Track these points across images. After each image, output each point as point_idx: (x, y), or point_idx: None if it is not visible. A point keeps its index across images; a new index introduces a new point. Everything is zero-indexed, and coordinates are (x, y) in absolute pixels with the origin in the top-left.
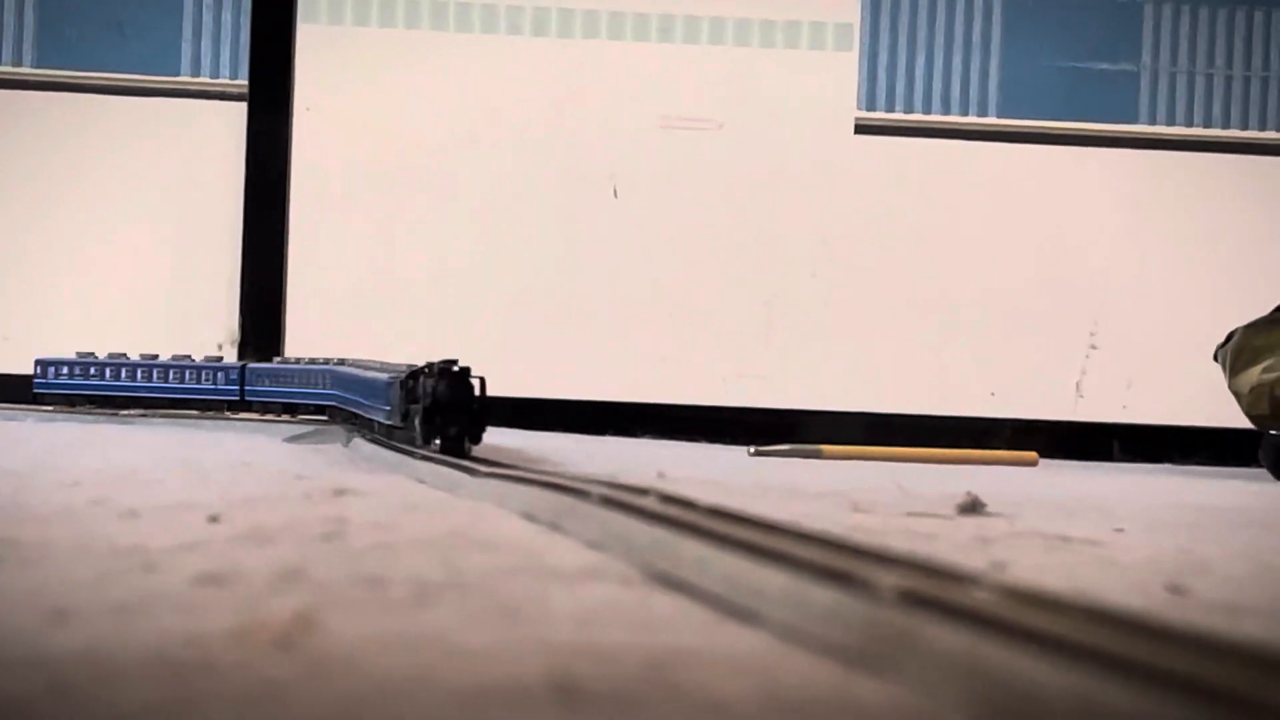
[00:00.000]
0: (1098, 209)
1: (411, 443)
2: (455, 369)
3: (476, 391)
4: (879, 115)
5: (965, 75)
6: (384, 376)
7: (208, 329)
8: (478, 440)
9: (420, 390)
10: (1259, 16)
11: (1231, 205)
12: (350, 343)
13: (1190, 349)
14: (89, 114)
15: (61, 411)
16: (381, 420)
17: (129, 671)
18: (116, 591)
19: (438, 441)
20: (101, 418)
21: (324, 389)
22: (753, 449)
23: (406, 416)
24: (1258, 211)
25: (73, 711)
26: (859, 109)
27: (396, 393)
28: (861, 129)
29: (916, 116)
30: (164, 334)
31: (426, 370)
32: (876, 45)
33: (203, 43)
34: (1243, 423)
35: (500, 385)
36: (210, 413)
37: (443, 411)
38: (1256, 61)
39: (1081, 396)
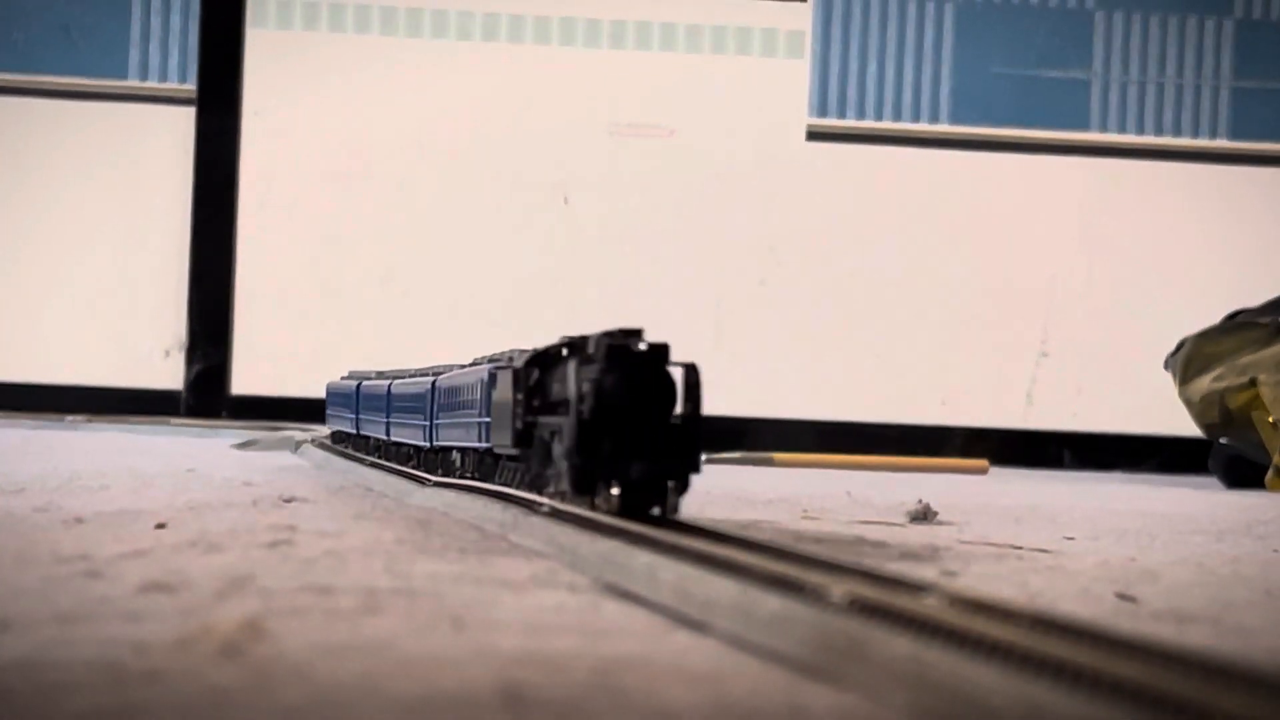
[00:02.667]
0: (1048, 217)
1: (538, 487)
2: (641, 345)
3: (682, 390)
4: (831, 122)
5: (917, 82)
6: (477, 372)
7: (154, 334)
8: (685, 486)
9: (568, 385)
10: (1209, 25)
11: (1181, 214)
12: (301, 346)
13: (1140, 357)
14: (35, 118)
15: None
16: (469, 446)
17: (72, 680)
18: (61, 599)
19: (610, 493)
20: (45, 422)
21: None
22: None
23: (529, 439)
24: (1208, 221)
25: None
26: (810, 116)
27: (504, 393)
28: (813, 135)
29: (868, 123)
30: (110, 340)
31: (573, 349)
32: (828, 52)
33: (151, 46)
34: (1193, 431)
35: None
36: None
37: (617, 429)
38: (1207, 70)
39: (1032, 404)
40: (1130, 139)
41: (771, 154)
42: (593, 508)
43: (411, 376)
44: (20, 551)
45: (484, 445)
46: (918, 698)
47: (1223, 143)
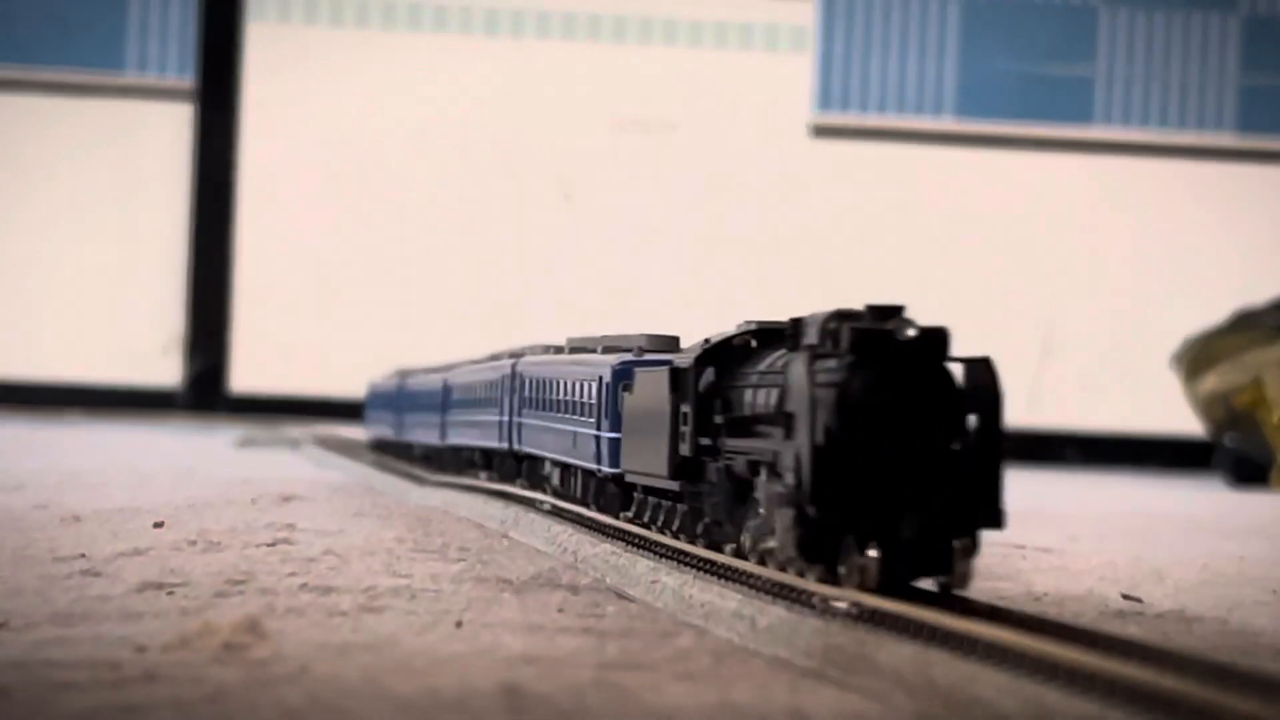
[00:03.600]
0: (1052, 215)
1: (715, 540)
2: (907, 330)
3: (970, 398)
4: (835, 118)
5: (922, 78)
6: (588, 364)
7: (152, 331)
8: (976, 546)
9: (791, 392)
10: (1214, 20)
11: (1187, 212)
12: (300, 343)
13: (1146, 356)
14: (33, 115)
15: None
16: (575, 464)
17: (70, 679)
18: (59, 598)
19: (865, 559)
20: (43, 420)
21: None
22: None
23: (697, 471)
24: (1213, 219)
25: (13, 719)
26: (814, 111)
27: (652, 400)
28: (817, 131)
29: (872, 120)
30: (108, 337)
31: (768, 336)
32: (832, 48)
33: (149, 40)
34: (1198, 429)
35: None
36: None
37: (874, 460)
38: (1211, 65)
39: (1036, 402)
40: (1136, 135)
41: (772, 149)
42: (831, 580)
43: (475, 364)
44: (18, 549)
45: (604, 469)
46: (917, 697)
47: (1229, 139)
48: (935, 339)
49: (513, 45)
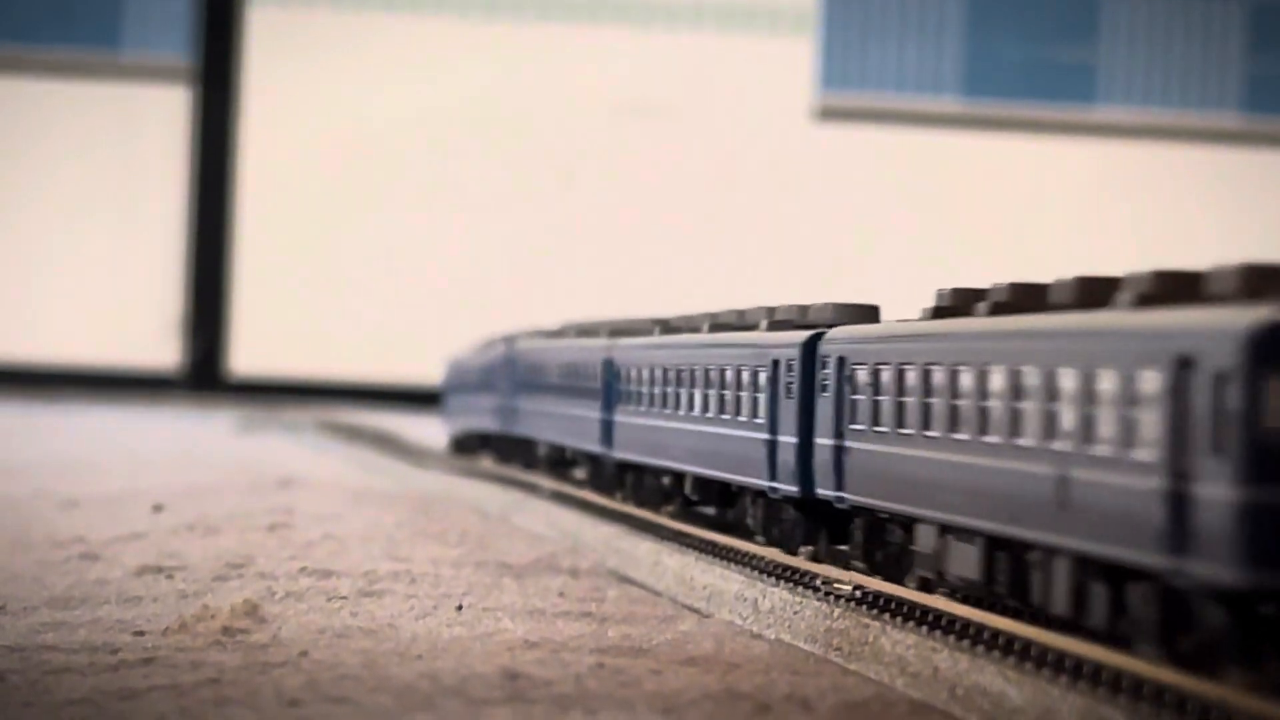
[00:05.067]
0: (1058, 200)
1: None
2: None
3: None
4: (837, 99)
5: (926, 60)
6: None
7: (151, 315)
8: None
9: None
10: (1218, 4)
11: (1191, 197)
12: (300, 327)
13: None
14: (30, 98)
15: None
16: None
17: (69, 664)
18: (57, 582)
19: None
20: (41, 403)
21: None
22: None
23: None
24: (1217, 204)
25: (11, 703)
26: (817, 94)
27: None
28: (820, 113)
29: (875, 101)
30: (106, 321)
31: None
32: (834, 30)
33: (149, 19)
34: None
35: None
36: None
37: None
38: (1215, 48)
39: None
40: (1139, 117)
41: (774, 134)
42: None
43: (666, 335)
44: (16, 534)
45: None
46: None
47: (1233, 121)
48: None
49: (514, 29)
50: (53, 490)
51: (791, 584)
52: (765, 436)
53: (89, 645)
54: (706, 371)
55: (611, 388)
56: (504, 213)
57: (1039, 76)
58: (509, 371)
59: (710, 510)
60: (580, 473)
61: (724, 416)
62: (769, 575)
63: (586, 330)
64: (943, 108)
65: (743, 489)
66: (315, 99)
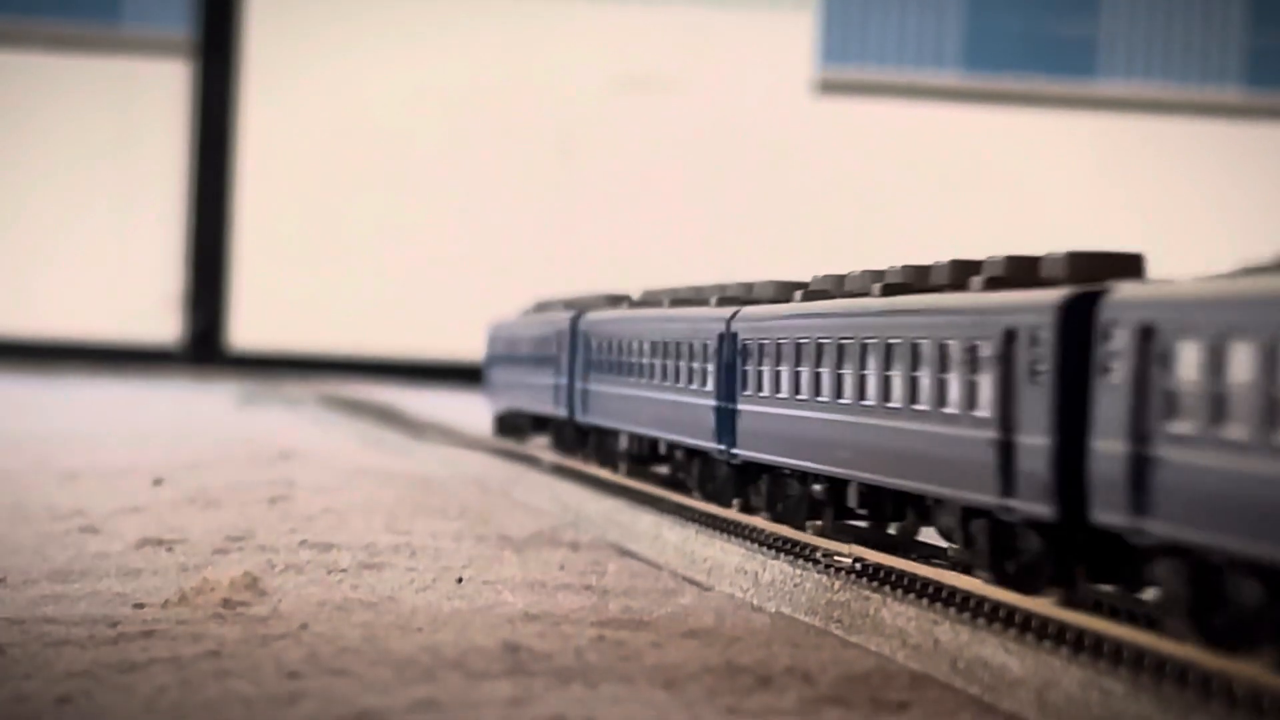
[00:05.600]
0: (1060, 175)
1: None
2: None
3: None
4: (838, 73)
5: (927, 34)
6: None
7: (151, 288)
8: None
9: None
10: None
11: (1192, 171)
12: (300, 301)
13: None
14: (30, 71)
15: None
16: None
17: (68, 636)
18: (57, 555)
19: None
20: (42, 377)
21: None
22: None
23: None
24: (1218, 177)
25: (11, 676)
26: (817, 68)
27: None
28: (820, 87)
29: (876, 74)
30: (107, 295)
31: None
32: (835, 4)
33: None
34: None
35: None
36: None
37: None
38: (1217, 21)
39: None
40: (1142, 91)
41: (774, 108)
42: None
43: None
44: (16, 507)
45: None
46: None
47: (1235, 95)
48: None
49: (513, 2)
50: (53, 463)
51: (792, 557)
52: (996, 436)
53: (89, 618)
54: (895, 347)
55: (734, 369)
56: (503, 185)
57: (1040, 50)
58: (575, 347)
59: (885, 527)
60: (673, 470)
61: (918, 407)
62: (769, 548)
63: (686, 298)
64: (943, 81)
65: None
66: (315, 72)
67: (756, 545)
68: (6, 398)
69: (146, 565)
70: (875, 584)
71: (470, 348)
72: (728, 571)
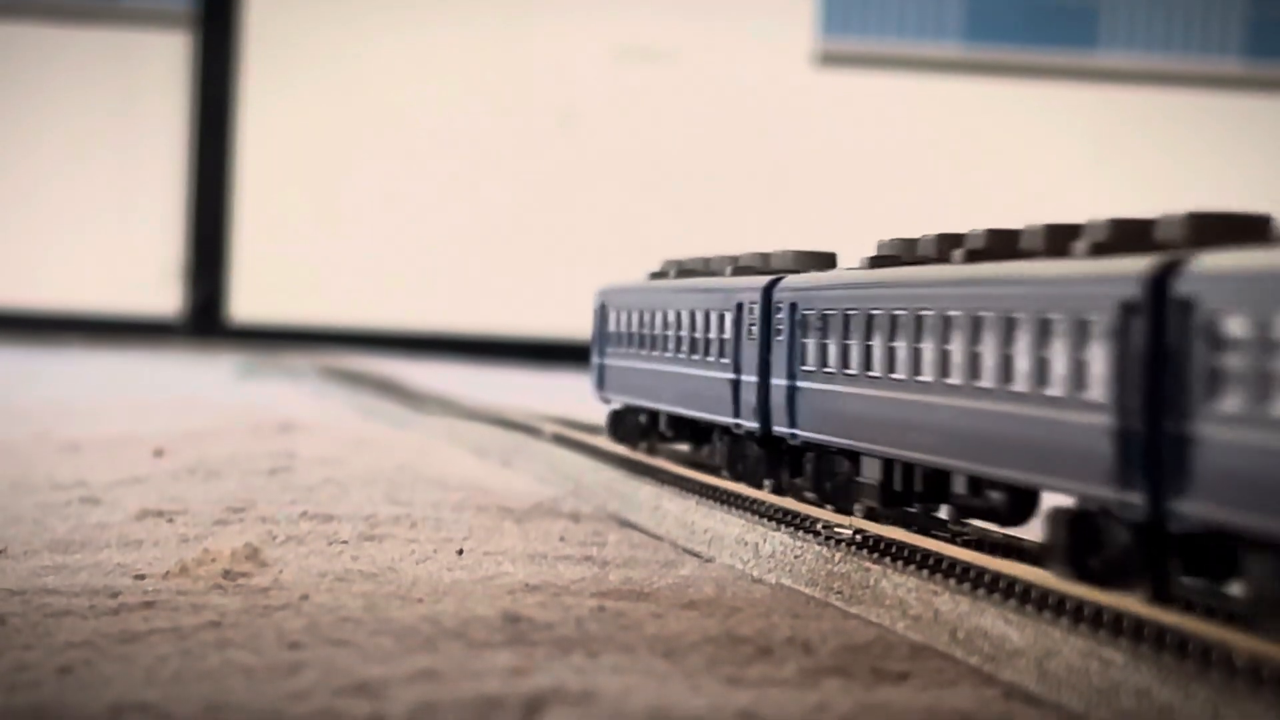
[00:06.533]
0: (1061, 146)
1: None
2: None
3: None
4: (839, 44)
5: (928, 5)
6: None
7: (152, 260)
8: None
9: None
10: None
11: (1193, 143)
12: (301, 273)
13: None
14: (30, 42)
15: None
16: None
17: (69, 607)
18: (58, 526)
19: None
20: (42, 348)
21: None
22: None
23: None
24: (1219, 149)
25: (12, 646)
26: (818, 39)
27: None
28: (821, 58)
29: (877, 46)
30: (107, 266)
31: None
32: None
33: None
34: None
35: (446, 318)
36: None
37: None
38: None
39: None
40: (1143, 63)
41: (777, 78)
42: None
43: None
44: (17, 478)
45: None
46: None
47: (1235, 66)
48: None
49: None
50: (53, 434)
51: (793, 528)
52: None
53: (90, 589)
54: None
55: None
56: (503, 156)
57: (1041, 21)
58: (778, 329)
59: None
60: (960, 512)
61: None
62: (770, 519)
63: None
64: (944, 53)
65: None
66: (316, 45)
67: (757, 517)
68: (7, 369)
69: (147, 536)
70: (876, 555)
71: (472, 320)
72: (728, 543)
